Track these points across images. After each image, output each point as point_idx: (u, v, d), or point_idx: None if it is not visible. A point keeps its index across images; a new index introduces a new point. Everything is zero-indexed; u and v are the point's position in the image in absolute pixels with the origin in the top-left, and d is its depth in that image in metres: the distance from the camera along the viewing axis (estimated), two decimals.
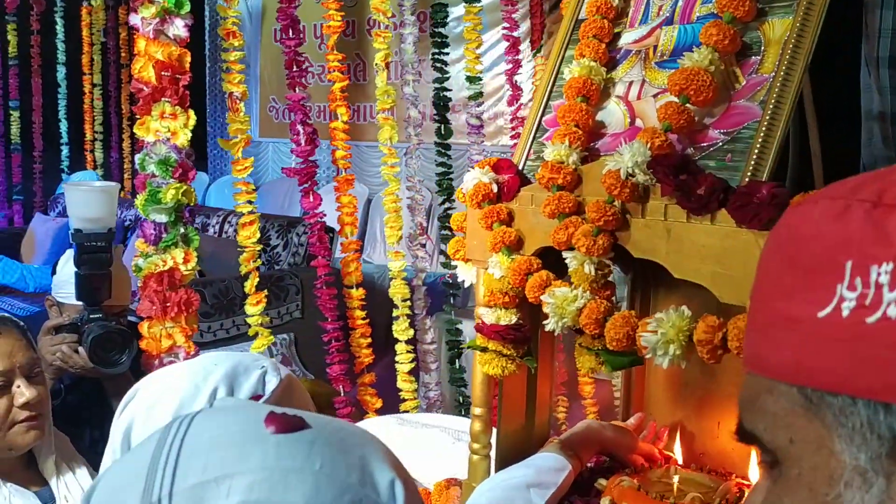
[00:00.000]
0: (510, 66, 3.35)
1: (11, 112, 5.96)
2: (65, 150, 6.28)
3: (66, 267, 2.28)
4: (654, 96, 1.17)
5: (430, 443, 1.98)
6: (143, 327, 2.11)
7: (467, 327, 3.26)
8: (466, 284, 1.35)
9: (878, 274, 0.40)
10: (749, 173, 1.01)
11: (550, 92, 1.32)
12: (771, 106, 1.03)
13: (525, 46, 4.01)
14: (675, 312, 1.00)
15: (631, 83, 1.22)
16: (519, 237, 1.23)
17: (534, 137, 1.31)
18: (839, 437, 0.41)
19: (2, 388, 1.46)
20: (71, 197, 1.92)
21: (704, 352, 0.96)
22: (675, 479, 1.32)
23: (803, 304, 0.42)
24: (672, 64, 1.15)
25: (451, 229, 3.09)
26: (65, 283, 2.23)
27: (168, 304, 2.17)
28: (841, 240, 0.41)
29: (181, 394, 0.88)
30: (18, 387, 1.47)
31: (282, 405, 0.90)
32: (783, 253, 0.45)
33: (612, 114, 1.22)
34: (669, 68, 1.15)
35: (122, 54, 6.58)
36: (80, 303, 1.95)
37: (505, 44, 3.39)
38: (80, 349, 1.85)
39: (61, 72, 6.09)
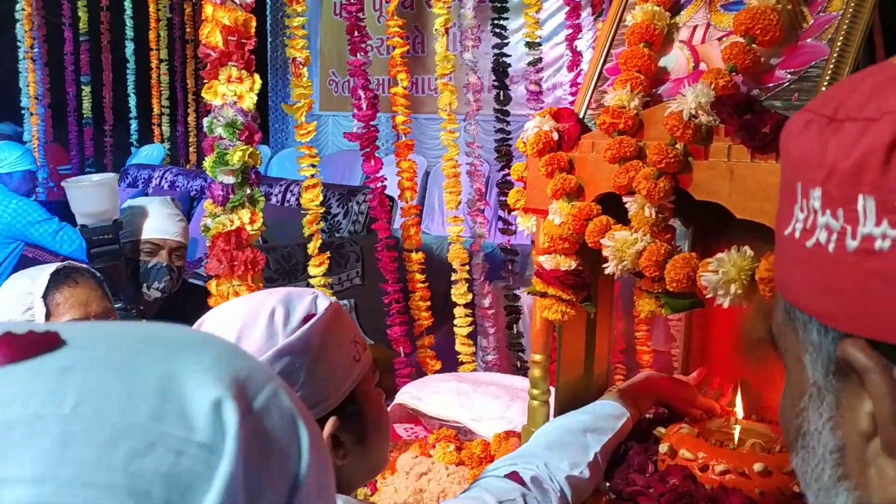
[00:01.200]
0: (570, 31, 3.32)
1: (83, 87, 6.17)
2: (133, 125, 6.48)
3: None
4: (719, 39, 1.16)
5: (488, 399, 2.01)
6: (212, 285, 2.19)
7: (525, 297, 3.27)
8: (525, 234, 1.36)
9: (815, 198, 0.39)
10: None
11: (612, 40, 1.32)
12: (839, 44, 1.02)
13: (586, 13, 3.95)
14: (736, 252, 1.00)
15: (695, 27, 1.21)
16: (579, 184, 1.23)
17: (595, 86, 1.31)
18: (805, 351, 0.42)
19: None
20: (72, 195, 1.96)
21: (767, 290, 0.96)
22: (737, 428, 1.32)
23: (779, 223, 0.43)
24: (738, 6, 1.14)
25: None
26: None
27: (235, 263, 2.24)
28: (796, 159, 0.41)
29: (242, 319, 0.95)
30: None
31: (332, 325, 0.96)
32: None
33: (676, 59, 1.22)
34: (735, 10, 1.14)
35: (188, 30, 6.74)
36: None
37: (565, 9, 3.36)
38: None
39: (129, 48, 6.28)
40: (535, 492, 1.12)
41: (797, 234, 0.41)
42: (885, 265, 0.35)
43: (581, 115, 1.30)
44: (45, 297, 1.59)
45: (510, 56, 3.09)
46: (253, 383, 0.37)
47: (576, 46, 3.35)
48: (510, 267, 3.18)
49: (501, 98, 3.06)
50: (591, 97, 1.31)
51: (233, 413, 0.34)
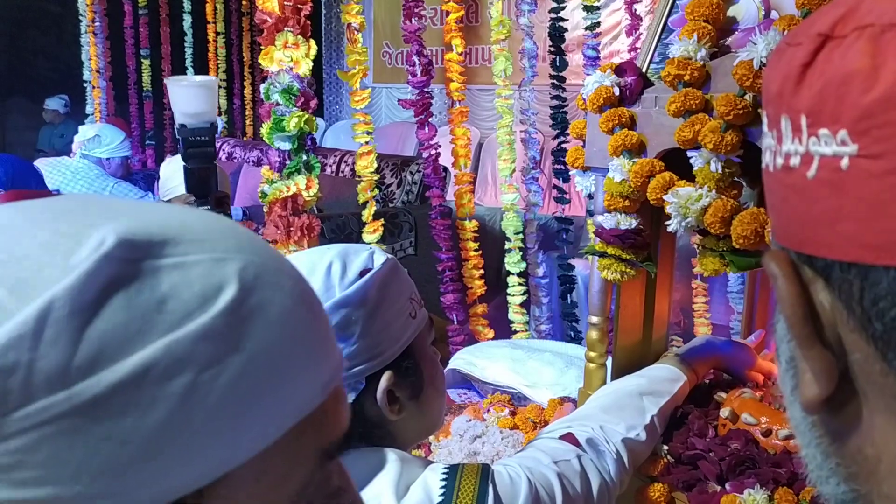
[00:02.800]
0: None
1: (143, 61, 6.27)
2: None
3: (169, 167, 2.50)
4: None
5: (542, 366, 2.00)
6: None
7: (579, 265, 3.23)
8: (584, 194, 1.34)
9: (764, 122, 0.40)
10: None
11: None
12: None
13: None
14: None
15: None
16: (641, 140, 1.20)
17: (658, 39, 1.27)
18: (810, 283, 0.40)
19: None
20: (173, 92, 1.99)
21: None
22: None
23: (768, 155, 0.42)
24: None
25: (565, 164, 3.05)
26: (169, 179, 2.41)
27: (292, 229, 2.26)
28: (774, 90, 0.40)
29: (300, 270, 0.95)
30: None
31: (389, 280, 0.96)
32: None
33: (745, 8, 1.16)
34: None
35: (244, 3, 6.78)
36: (189, 194, 2.09)
37: None
38: None
39: (187, 21, 6.34)
40: (591, 453, 1.11)
41: (767, 161, 0.41)
42: (795, 180, 0.36)
43: (644, 69, 1.26)
44: None
45: (567, 21, 3.03)
46: (184, 245, 0.39)
47: (635, 10, 3.27)
48: (564, 236, 3.14)
49: (557, 64, 3.00)
50: (654, 50, 1.27)
51: (108, 246, 0.36)
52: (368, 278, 0.94)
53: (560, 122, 3.05)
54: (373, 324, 0.93)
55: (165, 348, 0.36)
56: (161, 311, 0.37)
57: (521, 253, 2.89)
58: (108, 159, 4.06)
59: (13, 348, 0.33)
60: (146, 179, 5.79)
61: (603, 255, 1.23)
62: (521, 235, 2.88)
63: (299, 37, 2.24)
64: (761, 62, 1.01)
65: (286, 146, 2.27)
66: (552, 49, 3.00)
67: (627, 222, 1.20)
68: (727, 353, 1.39)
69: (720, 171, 1.07)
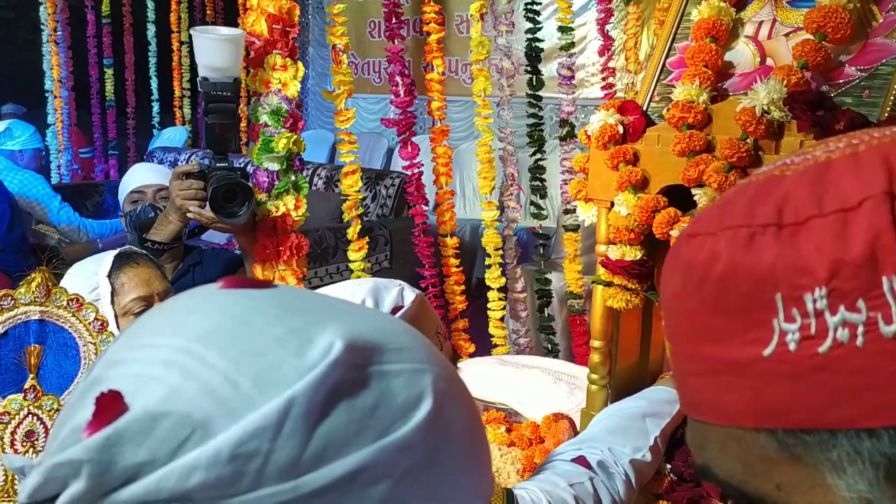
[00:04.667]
0: (601, 14, 3.33)
1: (106, 70, 6.20)
2: (155, 107, 6.51)
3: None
4: (786, 35, 1.19)
5: (532, 382, 2.06)
6: (257, 270, 2.24)
7: (554, 278, 3.31)
8: (587, 224, 1.40)
9: (814, 301, 0.37)
10: (888, 109, 1.03)
11: (675, 34, 1.34)
12: None
13: None
14: None
15: (761, 23, 1.23)
16: (644, 176, 1.27)
17: (657, 79, 1.34)
18: (830, 473, 0.39)
19: (144, 312, 1.61)
20: (199, 44, 1.92)
21: None
22: None
23: (743, 346, 0.40)
24: (806, 3, 1.16)
25: (542, 181, 3.13)
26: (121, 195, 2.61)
27: (280, 249, 2.29)
28: (761, 273, 0.39)
29: None
30: None
31: (419, 316, 1.00)
32: (701, 295, 0.42)
33: (741, 54, 1.24)
34: (803, 7, 1.16)
35: (208, 12, 6.74)
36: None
37: None
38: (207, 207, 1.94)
39: (151, 30, 6.30)
40: (602, 475, 1.17)
41: (792, 347, 0.38)
42: None
43: (645, 108, 1.33)
44: (109, 276, 1.66)
45: (543, 41, 3.11)
46: (393, 353, 0.43)
47: (607, 31, 3.36)
48: (542, 251, 3.22)
49: (534, 83, 3.08)
50: (653, 90, 1.34)
51: (337, 352, 0.40)
52: (400, 316, 0.99)
53: (537, 139, 3.12)
54: None
55: (375, 454, 0.39)
56: (373, 416, 0.40)
57: (500, 269, 2.95)
58: (19, 151, 4.07)
59: (257, 437, 0.37)
60: (110, 190, 5.72)
61: (609, 284, 1.30)
62: (500, 252, 2.95)
63: (287, 59, 2.26)
64: (763, 109, 1.08)
65: (275, 167, 2.29)
66: (528, 69, 3.08)
67: (633, 254, 1.27)
68: None
69: None
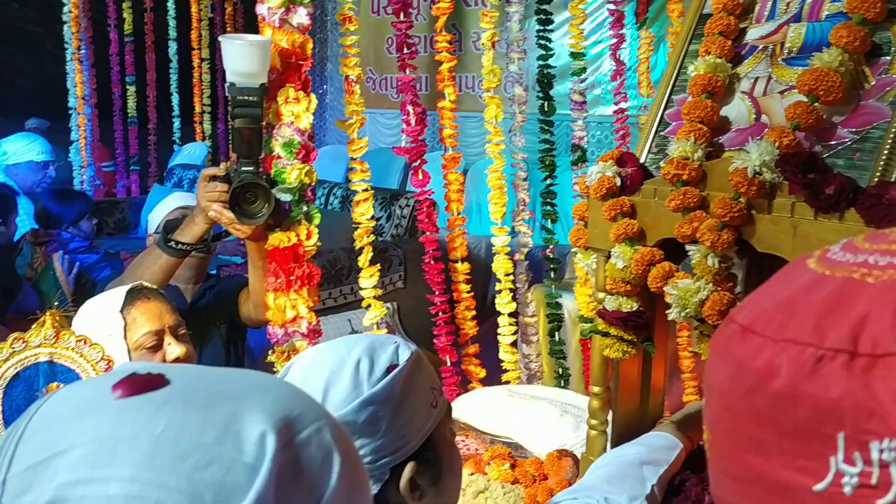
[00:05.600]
0: (614, 40, 3.35)
1: (128, 87, 6.30)
2: (176, 123, 6.61)
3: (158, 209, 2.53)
4: (781, 93, 1.20)
5: (539, 415, 2.07)
6: (269, 299, 2.28)
7: (566, 300, 3.32)
8: (586, 272, 1.42)
9: (881, 451, 0.34)
10: (878, 173, 1.04)
11: (673, 86, 1.36)
12: None
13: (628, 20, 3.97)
14: None
15: (756, 79, 1.25)
16: (641, 228, 1.28)
17: (656, 131, 1.36)
18: None
19: (156, 346, 1.66)
20: (227, 50, 1.96)
21: None
22: None
23: (791, 471, 0.37)
24: (800, 61, 1.18)
25: (553, 205, 3.14)
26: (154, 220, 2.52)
27: (292, 278, 2.32)
28: (825, 406, 0.36)
29: (330, 365, 1.01)
30: (169, 344, 1.66)
31: (413, 374, 1.02)
32: (750, 402, 0.39)
33: (737, 109, 1.26)
34: (798, 66, 1.18)
35: (228, 29, 6.83)
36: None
37: (602, 13, 3.38)
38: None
39: (172, 47, 6.39)
40: None
41: (847, 490, 0.36)
42: None
43: (643, 160, 1.34)
44: (122, 311, 1.70)
45: (555, 67, 3.13)
46: (299, 421, 0.48)
47: (619, 56, 3.38)
48: (553, 275, 3.23)
49: (546, 109, 3.10)
50: (652, 142, 1.36)
51: (272, 443, 0.45)
52: (395, 375, 1.00)
53: (549, 164, 3.14)
54: (398, 418, 0.99)
55: None
56: (311, 489, 0.46)
57: (511, 294, 2.97)
58: (14, 165, 3.96)
59: None
60: (132, 207, 5.81)
61: (606, 335, 1.31)
62: (511, 277, 2.96)
63: (300, 92, 2.30)
64: (755, 170, 1.10)
65: (287, 198, 2.33)
66: (540, 95, 3.10)
67: (629, 305, 1.28)
68: None
69: (717, 265, 1.15)
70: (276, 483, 0.44)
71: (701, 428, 1.55)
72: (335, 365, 1.01)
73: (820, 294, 0.38)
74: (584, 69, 3.19)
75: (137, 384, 0.47)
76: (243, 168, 1.98)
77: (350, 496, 0.49)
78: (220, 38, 2.09)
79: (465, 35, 6.26)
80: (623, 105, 3.33)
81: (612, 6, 3.30)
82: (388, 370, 1.01)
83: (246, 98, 1.95)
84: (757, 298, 0.43)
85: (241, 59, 1.98)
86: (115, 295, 1.76)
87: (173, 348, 1.67)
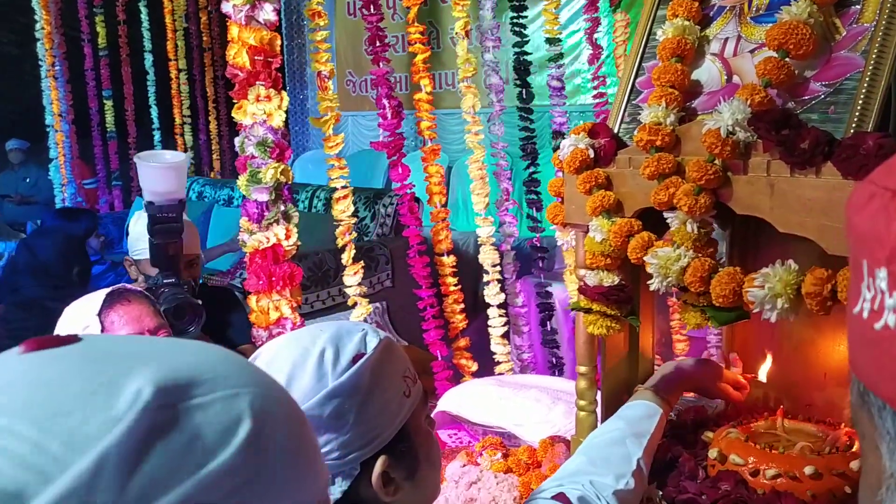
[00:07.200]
0: (589, 24, 3.32)
1: (105, 101, 6.24)
2: (156, 136, 6.55)
3: (137, 226, 2.44)
4: (751, 52, 1.17)
5: (530, 403, 2.04)
6: (252, 301, 2.24)
7: (556, 290, 3.29)
8: (565, 248, 1.39)
9: (880, 279, 0.37)
10: (854, 125, 1.01)
11: (643, 53, 1.33)
12: (874, 56, 1.03)
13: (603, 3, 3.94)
14: (781, 267, 1.02)
15: (726, 40, 1.22)
16: (618, 200, 1.25)
17: (627, 100, 1.33)
18: (881, 439, 0.39)
19: None
20: (143, 173, 2.00)
21: (814, 304, 0.97)
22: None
23: (849, 298, 0.41)
24: (769, 18, 1.15)
25: (536, 193, 3.12)
26: (137, 240, 2.41)
27: (273, 279, 2.28)
28: (861, 235, 0.39)
29: (293, 357, 0.95)
30: None
31: (383, 363, 0.97)
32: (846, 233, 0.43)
33: (708, 71, 1.23)
34: (766, 23, 1.15)
35: (204, 38, 6.78)
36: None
37: (578, 2, 3.36)
38: None
39: (148, 59, 6.33)
40: None
41: (865, 314, 0.38)
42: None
43: (616, 130, 1.31)
44: (99, 314, 1.67)
45: (531, 54, 3.10)
46: (201, 385, 0.45)
47: (595, 39, 3.35)
48: (540, 264, 3.20)
49: (524, 96, 3.07)
50: (624, 111, 1.33)
51: (146, 399, 0.42)
52: (361, 364, 0.93)
53: (529, 152, 3.11)
54: (366, 410, 0.93)
55: (196, 485, 0.41)
56: (189, 451, 0.42)
57: (499, 284, 2.93)
58: None
59: (72, 497, 0.38)
60: (115, 222, 5.76)
61: (588, 311, 1.28)
62: (498, 268, 2.93)
63: (271, 90, 2.27)
64: (728, 130, 1.07)
65: (263, 197, 2.29)
66: (518, 82, 3.07)
67: (610, 279, 1.25)
68: (696, 373, 1.42)
69: (696, 231, 1.12)
70: (140, 438, 0.41)
71: (677, 388, 1.51)
72: (298, 357, 0.95)
73: None
74: (561, 55, 3.16)
75: (47, 341, 0.46)
76: (165, 281, 2.01)
77: (258, 469, 0.45)
78: (135, 159, 2.12)
79: (443, 32, 6.24)
80: (601, 90, 3.30)
81: None
82: (355, 360, 0.95)
83: (165, 215, 2.00)
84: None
85: (159, 179, 2.01)
86: (94, 298, 1.73)
87: None
